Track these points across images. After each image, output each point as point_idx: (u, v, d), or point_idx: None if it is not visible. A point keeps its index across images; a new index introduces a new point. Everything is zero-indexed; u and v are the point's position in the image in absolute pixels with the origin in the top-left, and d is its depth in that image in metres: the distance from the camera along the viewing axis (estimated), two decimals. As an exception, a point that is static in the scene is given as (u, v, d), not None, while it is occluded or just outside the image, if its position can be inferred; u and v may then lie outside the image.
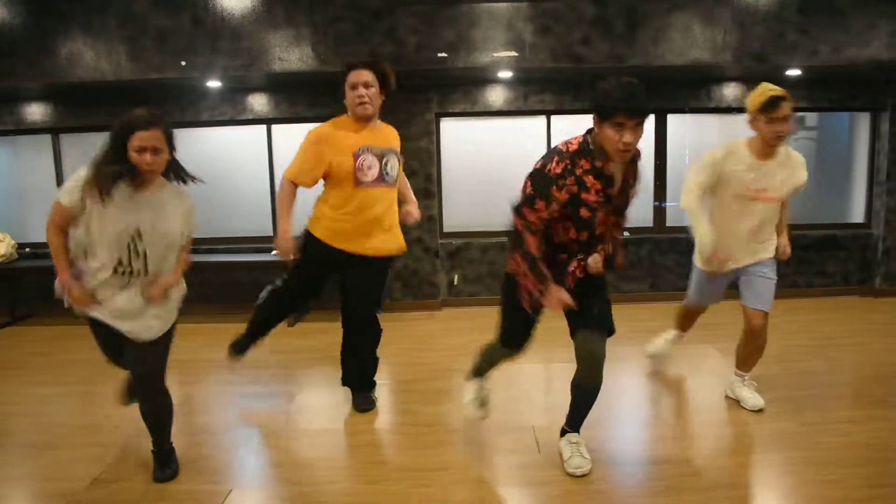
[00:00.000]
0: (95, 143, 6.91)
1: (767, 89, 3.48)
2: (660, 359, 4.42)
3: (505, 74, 5.95)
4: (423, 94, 6.28)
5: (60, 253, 2.88)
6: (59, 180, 6.75)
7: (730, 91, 6.40)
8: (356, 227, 3.70)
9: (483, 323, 5.83)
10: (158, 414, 3.13)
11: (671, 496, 2.90)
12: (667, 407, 3.95)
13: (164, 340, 3.05)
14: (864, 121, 6.73)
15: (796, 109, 6.56)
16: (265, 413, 4.03)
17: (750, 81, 6.36)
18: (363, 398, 4.00)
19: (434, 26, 5.41)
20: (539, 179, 2.74)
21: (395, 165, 3.76)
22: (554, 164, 2.73)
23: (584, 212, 2.78)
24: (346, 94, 3.65)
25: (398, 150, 3.86)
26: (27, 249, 6.71)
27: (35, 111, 6.56)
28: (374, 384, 4.11)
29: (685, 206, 3.63)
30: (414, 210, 3.99)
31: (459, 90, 6.37)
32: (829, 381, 4.29)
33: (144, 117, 2.83)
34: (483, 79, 6.21)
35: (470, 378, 3.53)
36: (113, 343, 3.04)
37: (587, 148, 2.75)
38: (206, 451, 3.46)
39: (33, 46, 5.47)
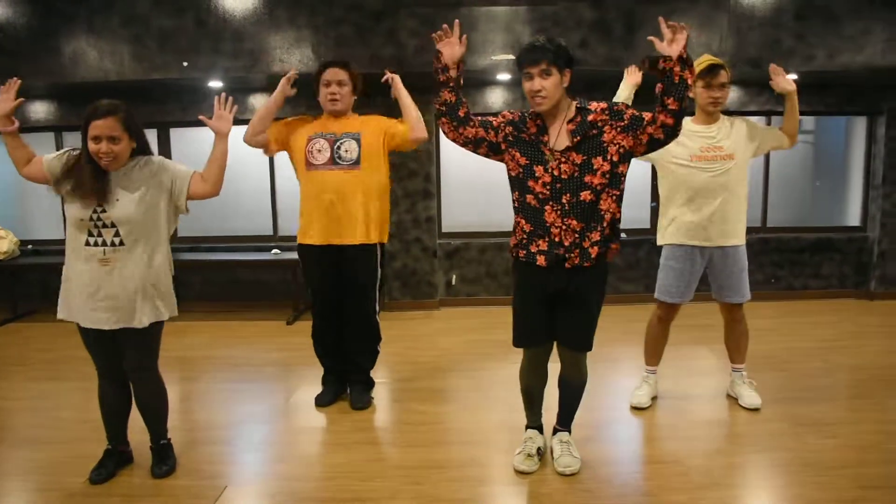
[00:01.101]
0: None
1: (707, 58, 3.67)
2: (642, 401, 3.99)
3: (504, 77, 5.99)
4: (423, 96, 6.28)
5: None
6: (62, 178, 6.81)
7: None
8: (314, 212, 3.81)
9: (481, 323, 5.90)
10: (152, 403, 3.17)
11: (659, 496, 2.94)
12: (658, 407, 3.98)
13: (152, 331, 3.03)
14: (860, 125, 6.77)
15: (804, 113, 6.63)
16: (262, 410, 4.07)
17: (748, 86, 6.41)
18: (360, 396, 4.05)
19: (434, 28, 5.36)
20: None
21: (351, 148, 3.78)
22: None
23: (524, 135, 2.95)
24: (318, 90, 3.81)
25: (362, 133, 3.83)
26: (30, 247, 6.77)
27: (39, 109, 6.62)
28: (371, 384, 4.17)
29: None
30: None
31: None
32: (824, 383, 4.33)
33: (100, 106, 2.85)
34: (482, 81, 6.25)
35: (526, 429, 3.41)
36: (104, 348, 3.03)
37: None
38: (203, 447, 3.51)
39: (38, 46, 5.53)
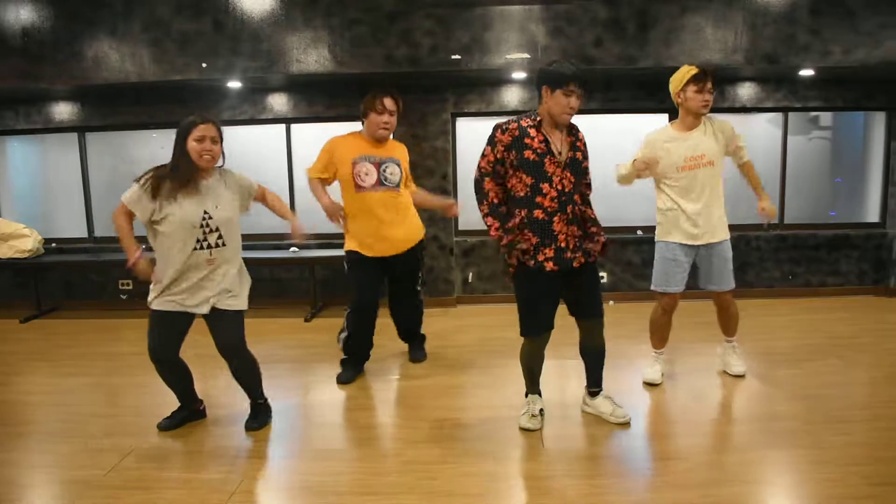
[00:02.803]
0: (120, 141, 7.10)
1: (691, 67, 3.90)
2: (654, 378, 4.30)
3: (519, 75, 6.01)
4: (439, 95, 6.36)
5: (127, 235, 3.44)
6: (85, 177, 6.94)
7: (744, 91, 6.41)
8: (370, 231, 4.18)
9: (496, 320, 5.94)
10: (246, 373, 3.69)
11: (669, 491, 2.96)
12: (670, 403, 4.00)
13: (239, 315, 3.56)
14: (879, 120, 6.70)
15: (812, 109, 6.61)
16: (279, 406, 4.13)
17: (764, 82, 6.38)
18: (416, 350, 4.82)
19: (448, 28, 5.50)
20: (490, 134, 3.34)
21: (395, 172, 4.20)
22: (503, 121, 3.36)
23: (528, 154, 3.25)
24: (369, 115, 4.11)
25: (400, 160, 4.29)
26: (53, 245, 6.90)
27: (63, 110, 6.75)
28: (424, 338, 4.89)
29: (619, 177, 4.05)
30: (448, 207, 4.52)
31: (475, 90, 6.45)
32: (839, 380, 4.30)
33: (201, 114, 3.40)
34: (498, 79, 6.28)
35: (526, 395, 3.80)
36: (172, 334, 3.48)
37: (531, 114, 3.34)
38: (221, 441, 3.58)
39: (62, 49, 5.65)
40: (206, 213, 3.35)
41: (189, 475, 3.20)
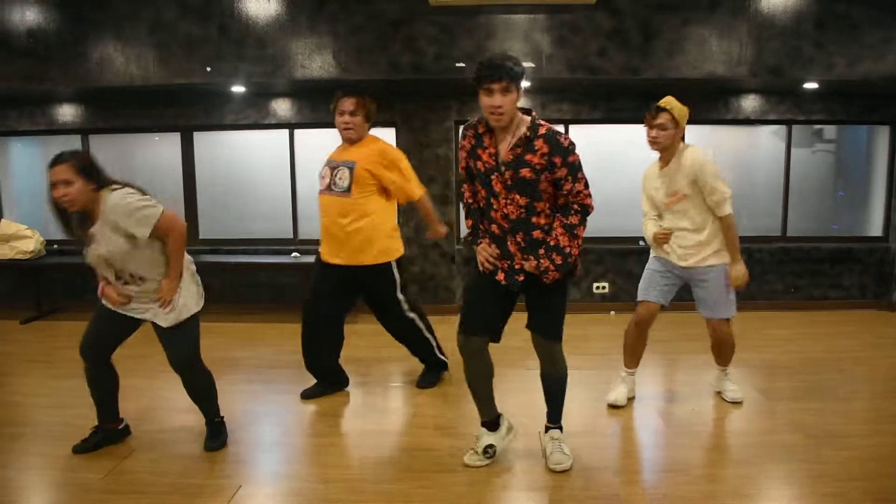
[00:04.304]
0: (124, 144, 7.10)
1: (665, 100, 3.82)
2: (617, 400, 4.10)
3: (523, 84, 6.00)
4: (443, 102, 6.37)
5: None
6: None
7: (748, 103, 6.41)
8: (322, 234, 4.09)
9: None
10: (197, 391, 3.49)
11: (668, 504, 2.95)
12: (669, 416, 3.98)
13: (187, 328, 3.32)
14: (883, 134, 6.70)
15: (815, 122, 6.60)
16: (278, 411, 4.13)
17: (768, 94, 6.38)
18: (423, 377, 4.45)
19: (453, 36, 5.50)
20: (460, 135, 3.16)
21: (344, 176, 3.95)
22: (471, 120, 3.12)
23: (480, 165, 3.01)
24: (335, 118, 4.03)
25: (357, 162, 3.95)
26: (55, 246, 6.89)
27: (67, 112, 6.76)
28: (437, 366, 4.47)
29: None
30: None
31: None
32: (840, 394, 4.29)
33: (59, 154, 3.07)
34: (500, 88, 6.27)
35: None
36: (110, 333, 3.36)
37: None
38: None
39: (67, 51, 5.66)
40: (102, 258, 3.14)
41: (185, 480, 3.18)
